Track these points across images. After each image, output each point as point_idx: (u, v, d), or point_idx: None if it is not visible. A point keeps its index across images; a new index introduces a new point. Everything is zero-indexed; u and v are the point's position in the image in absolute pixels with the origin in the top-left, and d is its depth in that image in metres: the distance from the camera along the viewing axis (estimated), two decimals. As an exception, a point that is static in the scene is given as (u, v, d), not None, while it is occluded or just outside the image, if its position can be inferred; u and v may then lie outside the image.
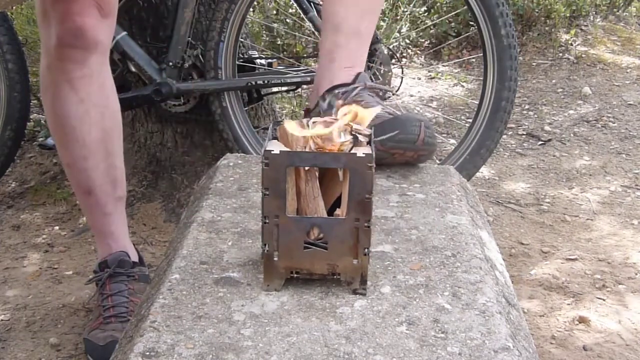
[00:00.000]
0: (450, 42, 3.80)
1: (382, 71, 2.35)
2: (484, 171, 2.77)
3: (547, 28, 3.91)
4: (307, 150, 1.10)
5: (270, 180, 1.09)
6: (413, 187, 1.46)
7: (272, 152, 1.08)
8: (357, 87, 1.62)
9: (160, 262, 1.34)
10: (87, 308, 1.96)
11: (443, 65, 3.76)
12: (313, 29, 2.33)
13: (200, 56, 2.34)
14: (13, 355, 1.82)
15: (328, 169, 1.14)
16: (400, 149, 1.51)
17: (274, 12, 3.94)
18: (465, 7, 2.44)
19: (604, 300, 2.07)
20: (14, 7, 3.11)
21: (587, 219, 2.51)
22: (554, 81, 3.63)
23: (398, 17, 3.83)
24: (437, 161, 2.71)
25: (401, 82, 2.63)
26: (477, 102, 2.47)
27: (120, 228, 1.90)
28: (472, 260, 1.22)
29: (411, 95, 3.45)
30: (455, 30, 3.83)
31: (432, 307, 1.10)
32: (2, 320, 1.95)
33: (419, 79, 3.66)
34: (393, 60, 3.12)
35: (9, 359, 1.81)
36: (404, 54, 3.80)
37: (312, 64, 2.55)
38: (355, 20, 1.67)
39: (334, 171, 1.14)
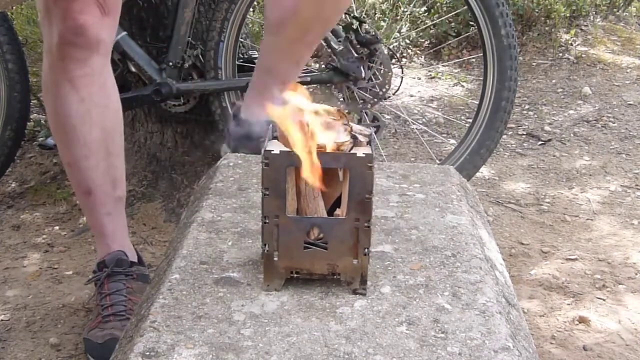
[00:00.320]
0: (450, 42, 3.80)
1: (382, 71, 2.35)
2: (484, 171, 2.77)
3: (547, 28, 3.91)
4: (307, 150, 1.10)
5: (270, 180, 1.09)
6: (413, 187, 1.46)
7: (272, 152, 1.08)
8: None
9: (160, 262, 1.34)
10: (87, 308, 1.96)
11: (443, 65, 3.76)
12: (313, 29, 2.33)
13: (200, 56, 2.33)
14: (13, 356, 1.82)
15: (328, 169, 1.14)
16: None
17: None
18: (465, 7, 2.44)
19: (604, 300, 2.07)
20: (14, 7, 3.11)
21: (587, 219, 2.51)
22: (554, 81, 3.63)
23: (398, 17, 3.83)
24: (437, 161, 2.71)
25: (401, 82, 2.63)
26: (477, 102, 2.48)
27: (119, 228, 1.90)
28: (472, 260, 1.22)
29: (411, 95, 3.45)
30: (455, 30, 3.83)
31: (432, 307, 1.10)
32: (2, 320, 1.95)
33: (419, 79, 3.66)
34: (393, 60, 3.12)
35: (9, 359, 1.81)
36: (404, 54, 3.80)
37: (312, 64, 2.55)
38: (284, 69, 1.92)
39: (334, 171, 1.14)
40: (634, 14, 4.37)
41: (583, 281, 2.16)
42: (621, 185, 2.74)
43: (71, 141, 1.81)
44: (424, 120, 3.21)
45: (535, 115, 3.31)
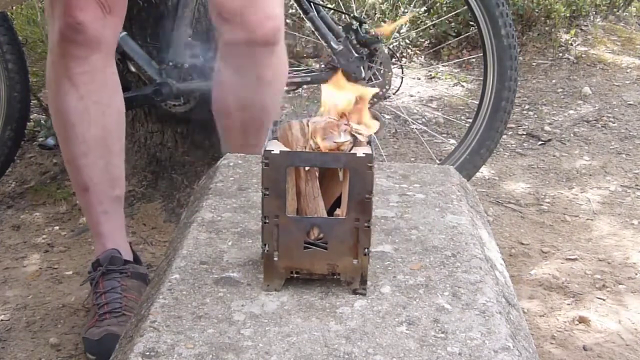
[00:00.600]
0: (450, 42, 3.80)
1: (382, 71, 2.35)
2: (484, 171, 2.77)
3: (547, 28, 3.91)
4: (307, 150, 1.10)
5: (270, 180, 1.09)
6: (413, 187, 1.46)
7: (272, 152, 1.08)
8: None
9: (160, 262, 1.34)
10: (87, 308, 1.96)
11: (443, 65, 3.76)
12: (313, 29, 2.33)
13: (200, 56, 2.33)
14: (13, 356, 1.82)
15: (328, 169, 1.14)
16: None
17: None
18: (465, 7, 2.44)
19: (604, 300, 2.07)
20: (14, 7, 3.11)
21: (587, 219, 2.51)
22: (554, 81, 3.63)
23: (398, 17, 3.82)
24: (437, 161, 2.71)
25: (401, 82, 2.63)
26: (477, 102, 2.48)
27: (116, 227, 1.90)
28: (472, 260, 1.22)
29: (411, 95, 3.45)
30: (455, 30, 3.83)
31: (432, 307, 1.10)
32: (2, 320, 1.95)
33: (419, 79, 3.66)
34: (393, 60, 3.12)
35: (9, 359, 1.81)
36: (404, 54, 3.80)
37: (312, 64, 2.55)
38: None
39: (334, 171, 1.14)
40: (634, 14, 4.37)
41: (583, 281, 2.16)
42: (621, 185, 2.74)
43: (70, 138, 1.82)
44: (424, 120, 3.21)
45: (535, 115, 3.31)
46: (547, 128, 3.20)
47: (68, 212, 2.47)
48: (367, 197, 1.09)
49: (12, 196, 2.57)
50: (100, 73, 1.78)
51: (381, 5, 3.81)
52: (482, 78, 2.44)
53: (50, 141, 2.35)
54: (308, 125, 1.12)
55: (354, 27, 2.32)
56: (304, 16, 2.38)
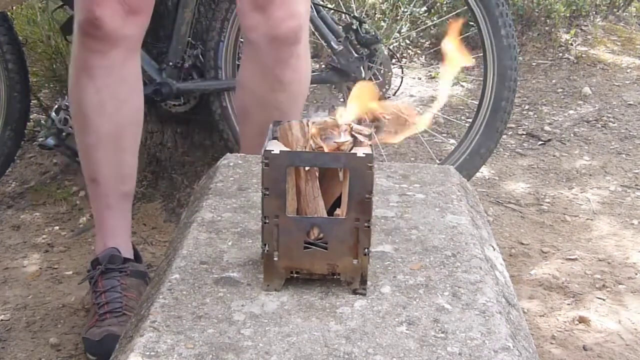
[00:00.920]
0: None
1: (382, 71, 2.35)
2: (484, 171, 2.77)
3: (547, 28, 3.91)
4: (307, 150, 1.10)
5: (270, 180, 1.09)
6: (413, 187, 1.46)
7: (272, 152, 1.08)
8: None
9: (160, 262, 1.34)
10: (86, 308, 1.96)
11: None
12: (313, 29, 2.33)
13: (200, 56, 2.33)
14: (13, 356, 1.82)
15: (328, 169, 1.14)
16: None
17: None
18: (465, 7, 2.44)
19: (604, 300, 2.07)
20: (14, 7, 3.11)
21: (587, 219, 2.51)
22: (554, 81, 3.63)
23: (398, 17, 3.82)
24: (437, 161, 2.71)
25: (401, 82, 2.63)
26: (477, 102, 2.47)
27: (120, 224, 1.90)
28: (472, 260, 1.22)
29: (411, 96, 3.45)
30: (455, 30, 3.82)
31: (432, 307, 1.10)
32: (2, 320, 1.95)
33: (419, 79, 3.66)
34: (393, 61, 3.12)
35: (9, 359, 1.81)
36: (404, 54, 3.80)
37: (312, 64, 2.55)
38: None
39: (334, 171, 1.14)
40: (634, 14, 4.37)
41: (583, 281, 2.16)
42: (621, 185, 2.74)
43: (84, 129, 1.84)
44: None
45: (535, 115, 3.30)
46: (547, 128, 3.20)
47: (68, 212, 2.47)
48: (367, 197, 1.09)
49: (12, 196, 2.57)
50: (120, 68, 1.79)
51: (381, 5, 3.81)
52: (482, 78, 2.44)
53: (50, 141, 2.35)
54: (308, 125, 1.12)
55: (354, 27, 2.32)
56: (304, 16, 2.38)
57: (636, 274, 2.20)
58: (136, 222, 2.38)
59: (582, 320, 1.97)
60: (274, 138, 1.15)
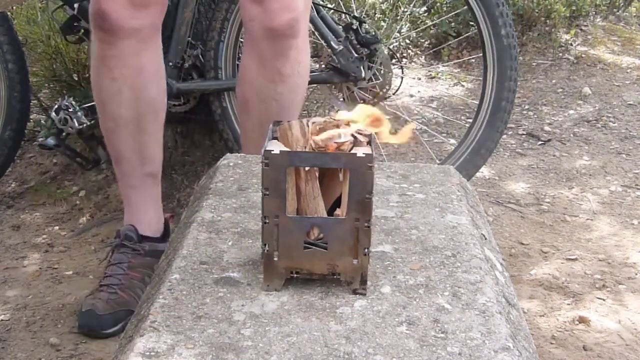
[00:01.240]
0: (450, 42, 3.80)
1: (382, 71, 2.35)
2: (484, 171, 2.77)
3: (547, 28, 3.91)
4: (307, 150, 1.10)
5: (270, 180, 1.09)
6: (413, 187, 1.46)
7: (272, 152, 1.08)
8: None
9: (160, 261, 1.34)
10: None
11: (443, 66, 3.76)
12: (313, 29, 2.33)
13: (200, 56, 2.33)
14: (13, 356, 1.82)
15: (328, 169, 1.14)
16: None
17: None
18: (465, 7, 2.44)
19: (604, 300, 2.07)
20: (14, 7, 3.11)
21: (587, 219, 2.51)
22: (554, 81, 3.63)
23: (398, 17, 3.82)
24: (437, 161, 2.71)
25: (401, 82, 2.63)
26: (477, 102, 2.47)
27: (141, 202, 1.97)
28: (472, 260, 1.22)
29: (411, 96, 3.45)
30: (455, 31, 3.83)
31: (432, 307, 1.10)
32: (2, 320, 1.95)
33: (419, 79, 3.66)
34: (393, 61, 3.12)
35: (9, 359, 1.81)
36: (404, 54, 3.80)
37: (312, 64, 2.55)
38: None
39: (334, 171, 1.14)
40: (634, 14, 4.37)
41: (583, 281, 2.16)
42: (621, 185, 2.74)
43: (102, 113, 1.91)
44: (424, 120, 3.21)
45: (535, 115, 3.30)
46: (547, 128, 3.20)
47: (68, 212, 2.47)
48: (367, 197, 1.09)
49: (12, 196, 2.57)
50: (134, 58, 1.83)
51: (381, 5, 3.81)
52: (482, 78, 2.44)
53: (50, 141, 2.35)
54: (308, 125, 1.12)
55: (354, 27, 2.32)
56: (304, 16, 2.38)
57: (636, 274, 2.20)
58: (136, 222, 2.38)
59: (582, 320, 1.97)
60: (274, 138, 1.15)
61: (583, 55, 3.81)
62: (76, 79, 2.78)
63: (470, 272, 1.18)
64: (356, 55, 2.31)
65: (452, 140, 3.00)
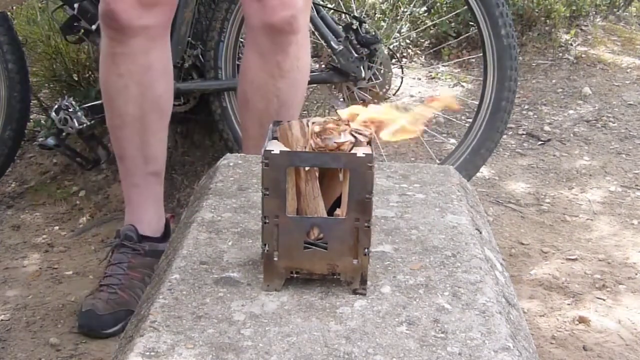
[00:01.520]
0: (450, 42, 3.80)
1: (382, 71, 2.35)
2: (484, 171, 2.77)
3: (547, 28, 3.91)
4: (307, 150, 1.10)
5: (270, 180, 1.09)
6: (413, 187, 1.46)
7: (272, 152, 1.08)
8: None
9: (160, 261, 1.34)
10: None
11: (443, 66, 3.76)
12: (313, 29, 2.33)
13: (200, 56, 2.33)
14: (13, 356, 1.82)
15: (328, 169, 1.14)
16: None
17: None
18: (465, 7, 2.44)
19: (604, 300, 2.07)
20: (14, 7, 3.11)
21: (587, 219, 2.51)
22: (554, 81, 3.63)
23: (398, 17, 3.83)
24: (437, 161, 2.71)
25: (401, 82, 2.63)
26: (477, 102, 2.47)
27: (143, 201, 1.98)
28: (472, 260, 1.21)
29: (411, 96, 3.45)
30: (455, 31, 3.83)
31: (432, 307, 1.10)
32: (2, 320, 1.95)
33: (419, 79, 3.66)
34: (393, 61, 3.12)
35: (9, 359, 1.81)
36: (404, 54, 3.80)
37: (312, 64, 2.55)
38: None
39: (334, 171, 1.14)
40: (634, 14, 4.37)
41: (583, 281, 2.16)
42: (621, 185, 2.74)
43: (109, 109, 1.92)
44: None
45: (535, 115, 3.30)
46: (547, 128, 3.20)
47: (68, 212, 2.47)
48: (367, 197, 1.09)
49: (12, 196, 2.57)
50: (143, 56, 1.84)
51: (381, 5, 3.81)
52: (482, 78, 2.44)
53: (50, 141, 2.35)
54: (308, 125, 1.12)
55: (354, 27, 2.32)
56: (304, 16, 2.37)
57: (636, 274, 2.20)
58: (136, 222, 2.38)
59: (582, 320, 1.97)
60: (274, 138, 1.15)
61: (583, 55, 3.81)
62: (76, 79, 2.78)
63: (470, 272, 1.18)
64: (356, 55, 2.31)
65: (452, 140, 3.00)
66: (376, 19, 3.74)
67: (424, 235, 1.28)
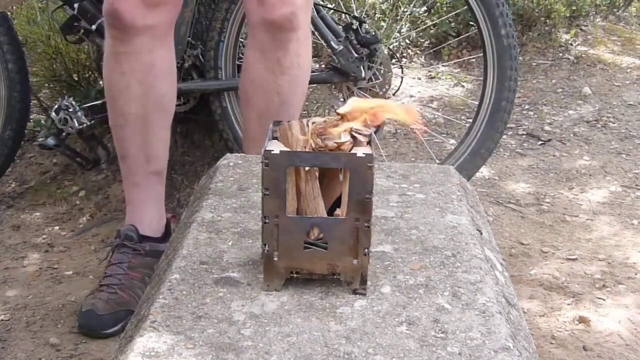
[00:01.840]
0: (450, 42, 3.80)
1: (382, 71, 2.35)
2: (484, 171, 2.77)
3: (547, 28, 3.91)
4: (307, 150, 1.10)
5: (270, 180, 1.09)
6: (413, 187, 1.46)
7: (272, 152, 1.08)
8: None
9: (160, 261, 1.34)
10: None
11: (443, 66, 3.76)
12: (313, 29, 2.33)
13: (200, 56, 2.33)
14: (13, 356, 1.82)
15: (328, 169, 1.14)
16: None
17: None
18: (465, 7, 2.44)
19: (604, 300, 2.07)
20: (14, 7, 3.11)
21: (587, 219, 2.51)
22: (554, 81, 3.63)
23: (398, 17, 3.82)
24: (437, 161, 2.71)
25: (401, 82, 2.63)
26: (477, 102, 2.47)
27: (144, 201, 1.98)
28: (472, 260, 1.22)
29: (411, 96, 3.45)
30: (455, 31, 3.83)
31: (432, 307, 1.10)
32: (2, 320, 1.95)
33: (419, 79, 3.66)
34: (393, 61, 3.12)
35: (9, 359, 1.81)
36: (404, 54, 3.80)
37: (312, 64, 2.55)
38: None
39: (334, 171, 1.14)
40: (634, 14, 4.37)
41: (583, 281, 2.16)
42: (621, 185, 2.74)
43: (112, 108, 1.92)
44: (424, 120, 3.21)
45: (535, 115, 3.30)
46: (547, 128, 3.20)
47: (68, 212, 2.47)
48: (367, 197, 1.09)
49: (12, 196, 2.57)
50: (146, 55, 1.85)
51: (381, 5, 3.81)
52: (482, 78, 2.44)
53: (50, 141, 2.35)
54: (308, 125, 1.12)
55: (354, 27, 2.32)
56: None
57: (636, 274, 2.20)
58: (136, 222, 2.38)
59: (582, 320, 1.97)
60: (274, 138, 1.15)
61: (583, 55, 3.81)
62: (76, 79, 2.78)
63: (470, 272, 1.18)
64: (356, 55, 2.31)
65: (452, 140, 3.00)
66: (376, 19, 3.74)
67: (424, 235, 1.28)
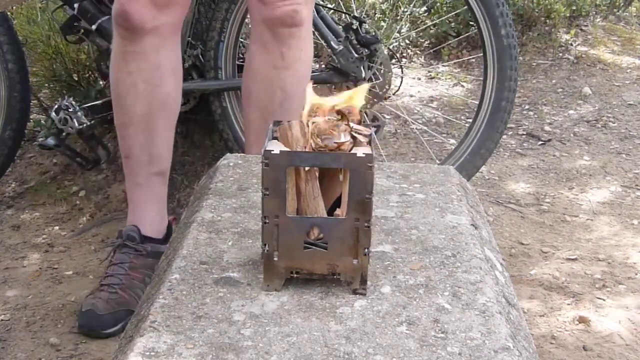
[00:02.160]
0: (450, 42, 3.80)
1: (382, 71, 2.35)
2: (484, 171, 2.77)
3: (547, 28, 3.91)
4: (307, 150, 1.10)
5: (270, 180, 1.09)
6: (413, 187, 1.46)
7: (272, 152, 1.08)
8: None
9: (160, 261, 1.34)
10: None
11: (443, 65, 3.76)
12: (313, 29, 2.33)
13: (200, 56, 2.33)
14: (13, 356, 1.82)
15: (328, 169, 1.14)
16: None
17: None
18: (465, 7, 2.44)
19: (604, 300, 2.07)
20: (14, 7, 3.11)
21: (587, 219, 2.51)
22: (554, 81, 3.63)
23: (398, 17, 3.82)
24: (437, 161, 2.71)
25: (401, 82, 2.63)
26: (477, 102, 2.47)
27: (145, 201, 1.98)
28: (472, 260, 1.22)
29: (411, 96, 3.45)
30: (455, 31, 3.83)
31: (432, 307, 1.10)
32: (2, 320, 1.95)
33: (419, 79, 3.66)
34: (393, 61, 3.12)
35: (9, 359, 1.81)
36: (404, 54, 3.80)
37: (312, 64, 2.55)
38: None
39: (334, 171, 1.14)
40: (634, 14, 4.37)
41: (583, 281, 2.16)
42: (621, 185, 2.74)
43: (117, 107, 1.93)
44: (424, 120, 3.21)
45: (535, 115, 3.30)
46: (547, 128, 3.20)
47: (68, 212, 2.47)
48: (367, 197, 1.09)
49: (12, 196, 2.57)
50: (154, 54, 1.85)
51: (381, 5, 3.81)
52: (482, 78, 2.44)
53: (50, 141, 2.35)
54: (308, 125, 1.12)
55: (354, 27, 2.32)
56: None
57: (636, 274, 2.20)
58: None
59: (582, 320, 1.97)
60: (274, 138, 1.15)
61: (583, 55, 3.81)
62: (76, 79, 2.78)
63: (470, 272, 1.18)
64: (356, 55, 2.31)
65: (452, 140, 3.00)
66: (376, 19, 3.74)
67: (424, 235, 1.28)
